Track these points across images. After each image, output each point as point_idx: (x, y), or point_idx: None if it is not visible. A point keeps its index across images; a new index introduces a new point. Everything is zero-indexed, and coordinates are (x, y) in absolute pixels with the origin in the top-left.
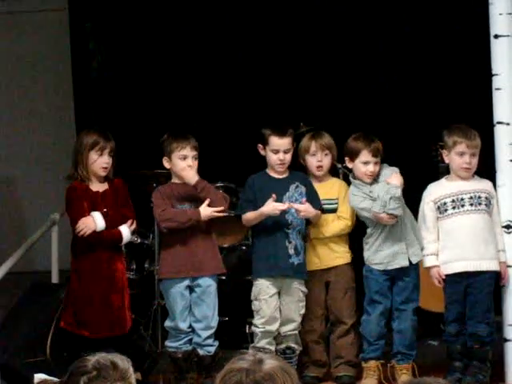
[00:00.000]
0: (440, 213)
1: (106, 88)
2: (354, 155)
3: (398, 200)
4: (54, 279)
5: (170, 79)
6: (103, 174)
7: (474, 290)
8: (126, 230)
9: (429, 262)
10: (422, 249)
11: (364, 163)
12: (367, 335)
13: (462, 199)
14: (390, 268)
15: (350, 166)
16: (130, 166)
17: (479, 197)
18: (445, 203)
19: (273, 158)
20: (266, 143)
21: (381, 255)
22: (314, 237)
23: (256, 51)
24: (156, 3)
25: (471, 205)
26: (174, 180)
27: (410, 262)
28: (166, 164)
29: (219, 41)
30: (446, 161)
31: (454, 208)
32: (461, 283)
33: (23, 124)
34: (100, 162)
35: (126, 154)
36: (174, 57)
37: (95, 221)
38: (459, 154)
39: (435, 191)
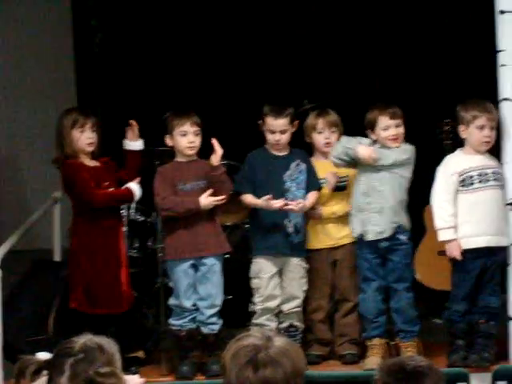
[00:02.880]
0: (463, 186)
1: (108, 64)
2: (373, 125)
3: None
4: (56, 257)
5: (171, 56)
6: (90, 149)
7: (491, 264)
8: (134, 185)
9: (449, 235)
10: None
11: (384, 129)
12: (366, 313)
13: (486, 174)
14: (375, 238)
15: (374, 137)
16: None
17: (499, 172)
18: (471, 176)
19: (269, 138)
20: (264, 122)
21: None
22: (327, 217)
23: (259, 28)
24: None
25: (495, 180)
26: (178, 158)
27: (397, 239)
28: (169, 142)
29: (221, 17)
30: (463, 136)
31: (480, 182)
32: (480, 258)
33: (25, 101)
34: (84, 138)
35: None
36: (176, 32)
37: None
38: (479, 128)
39: (459, 163)
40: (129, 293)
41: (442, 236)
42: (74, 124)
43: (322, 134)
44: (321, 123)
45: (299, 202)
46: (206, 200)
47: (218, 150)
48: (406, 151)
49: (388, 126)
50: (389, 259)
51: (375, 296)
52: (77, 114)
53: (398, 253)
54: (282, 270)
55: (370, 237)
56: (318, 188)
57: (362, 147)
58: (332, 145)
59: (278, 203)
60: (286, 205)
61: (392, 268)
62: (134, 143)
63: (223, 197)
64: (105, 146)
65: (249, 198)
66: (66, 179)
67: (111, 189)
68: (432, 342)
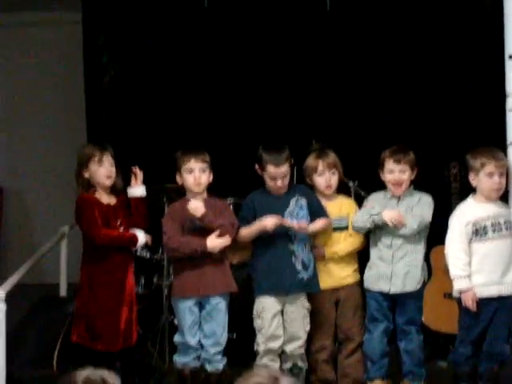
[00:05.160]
0: (478, 235)
1: (118, 101)
2: (382, 166)
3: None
4: (63, 292)
5: (183, 93)
6: (108, 182)
7: (503, 311)
8: (141, 233)
9: (465, 284)
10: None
11: (389, 172)
12: (370, 354)
13: (499, 223)
14: (392, 292)
15: (383, 179)
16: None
17: (510, 221)
18: (485, 226)
19: (270, 184)
20: (263, 169)
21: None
22: (329, 257)
23: (267, 68)
24: (170, 18)
25: (507, 229)
26: (188, 195)
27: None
28: (179, 179)
29: (231, 57)
30: (474, 184)
31: (494, 231)
32: (492, 305)
33: (35, 137)
34: (101, 171)
35: (140, 168)
36: (187, 70)
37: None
38: (489, 175)
39: (473, 213)
40: (131, 330)
41: (458, 285)
42: (91, 158)
43: (323, 176)
44: (321, 165)
45: (302, 222)
46: (213, 242)
47: (195, 203)
48: (424, 218)
49: (392, 170)
50: (401, 301)
51: (381, 338)
52: (93, 148)
53: (411, 294)
54: (284, 310)
55: (393, 290)
56: (326, 216)
57: (387, 212)
58: (333, 186)
59: (271, 220)
60: (284, 222)
61: (403, 309)
62: (136, 190)
63: (228, 238)
64: None
65: (243, 231)
66: (76, 212)
67: (121, 228)
68: None
